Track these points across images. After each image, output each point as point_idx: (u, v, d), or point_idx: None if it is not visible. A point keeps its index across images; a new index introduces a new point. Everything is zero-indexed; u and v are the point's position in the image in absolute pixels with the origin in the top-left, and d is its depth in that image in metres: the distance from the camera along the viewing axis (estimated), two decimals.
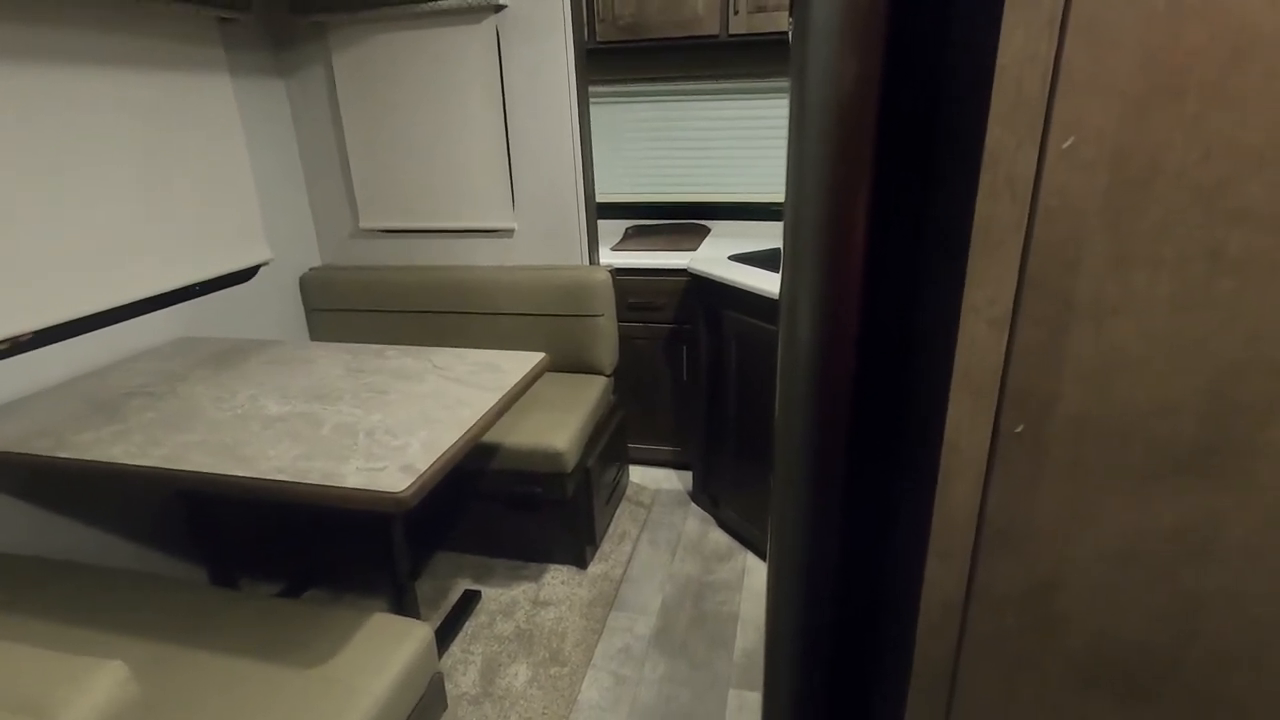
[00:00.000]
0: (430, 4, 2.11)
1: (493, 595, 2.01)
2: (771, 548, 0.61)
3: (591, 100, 2.75)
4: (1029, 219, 0.38)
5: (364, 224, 2.45)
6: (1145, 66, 0.34)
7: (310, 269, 2.50)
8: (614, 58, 2.68)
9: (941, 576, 0.46)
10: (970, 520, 0.45)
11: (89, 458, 1.32)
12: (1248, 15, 0.33)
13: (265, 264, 2.28)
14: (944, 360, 0.42)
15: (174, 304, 1.99)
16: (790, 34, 0.56)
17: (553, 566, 2.13)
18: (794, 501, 0.58)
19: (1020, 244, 0.38)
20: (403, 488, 1.22)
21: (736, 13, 2.24)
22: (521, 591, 2.03)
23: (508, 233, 2.36)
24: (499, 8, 2.12)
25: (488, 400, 1.55)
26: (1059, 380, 0.41)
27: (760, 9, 2.22)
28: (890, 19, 0.46)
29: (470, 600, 1.98)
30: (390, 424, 1.45)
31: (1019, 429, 0.42)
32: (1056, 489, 0.43)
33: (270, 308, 2.35)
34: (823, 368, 0.54)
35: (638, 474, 2.64)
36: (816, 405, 0.55)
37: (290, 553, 2.16)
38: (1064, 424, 0.41)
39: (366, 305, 2.44)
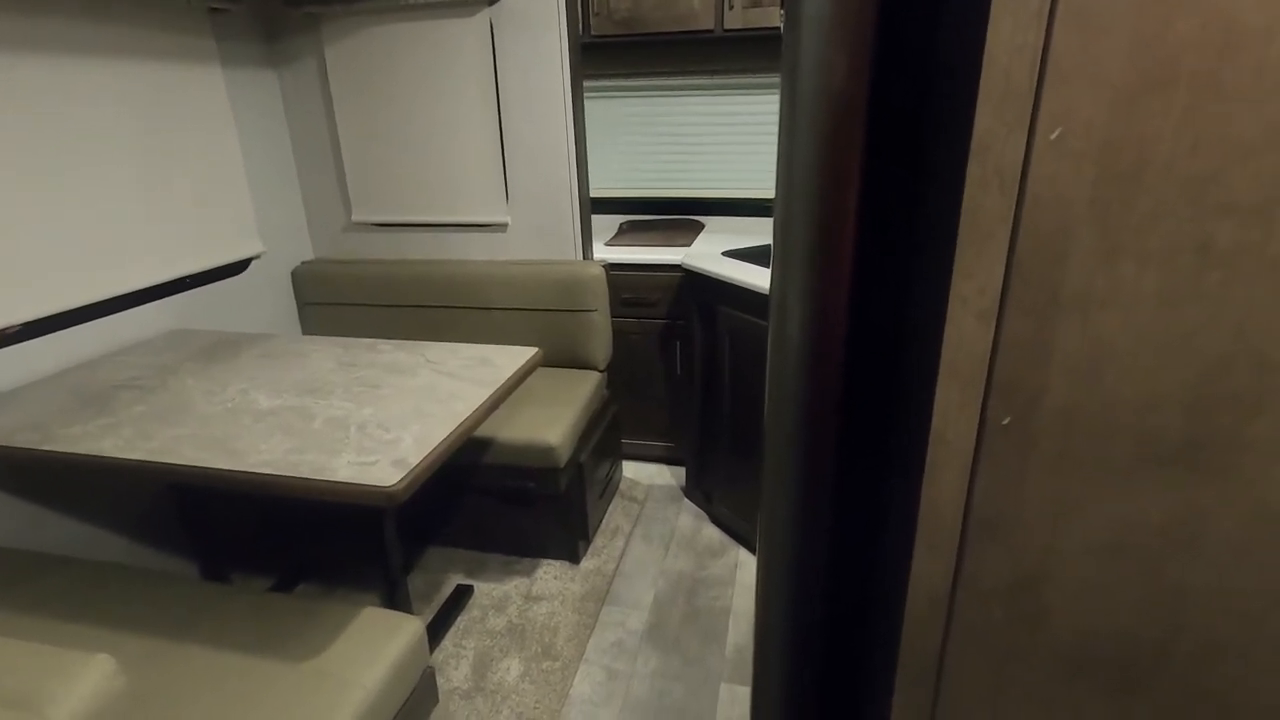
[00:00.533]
0: None
1: (485, 590, 2.01)
2: (761, 542, 0.61)
3: (586, 95, 2.74)
4: (1017, 210, 0.38)
5: (357, 217, 2.43)
6: (1135, 57, 0.34)
7: (302, 262, 2.48)
8: (609, 52, 2.67)
9: (929, 569, 0.46)
10: (957, 512, 0.45)
11: (77, 451, 1.31)
12: (1237, 8, 0.33)
13: (257, 257, 2.27)
14: (933, 352, 0.42)
15: (165, 297, 1.97)
16: (782, 26, 0.56)
17: (545, 561, 2.13)
18: (784, 496, 0.57)
19: (1008, 234, 0.38)
20: (394, 482, 1.22)
21: (731, 7, 2.23)
22: (514, 586, 2.03)
23: (501, 227, 2.35)
24: (493, 1, 2.10)
25: (480, 395, 1.55)
26: (1046, 372, 0.41)
27: (755, 4, 2.21)
28: (881, 10, 0.46)
29: (462, 595, 1.98)
30: (382, 418, 1.45)
31: (1006, 421, 0.42)
32: (1043, 481, 0.43)
33: (262, 301, 2.34)
34: (812, 361, 0.54)
35: (631, 469, 2.64)
36: (806, 399, 0.54)
37: (282, 547, 2.15)
38: (1051, 416, 0.41)
39: (359, 299, 2.43)
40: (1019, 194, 0.38)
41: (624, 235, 2.67)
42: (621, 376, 2.50)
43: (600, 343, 2.31)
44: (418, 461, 1.28)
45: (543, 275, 2.28)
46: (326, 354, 1.79)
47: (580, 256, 2.34)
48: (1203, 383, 0.39)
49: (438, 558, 2.16)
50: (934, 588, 0.47)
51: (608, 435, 2.33)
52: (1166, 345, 0.39)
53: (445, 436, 1.37)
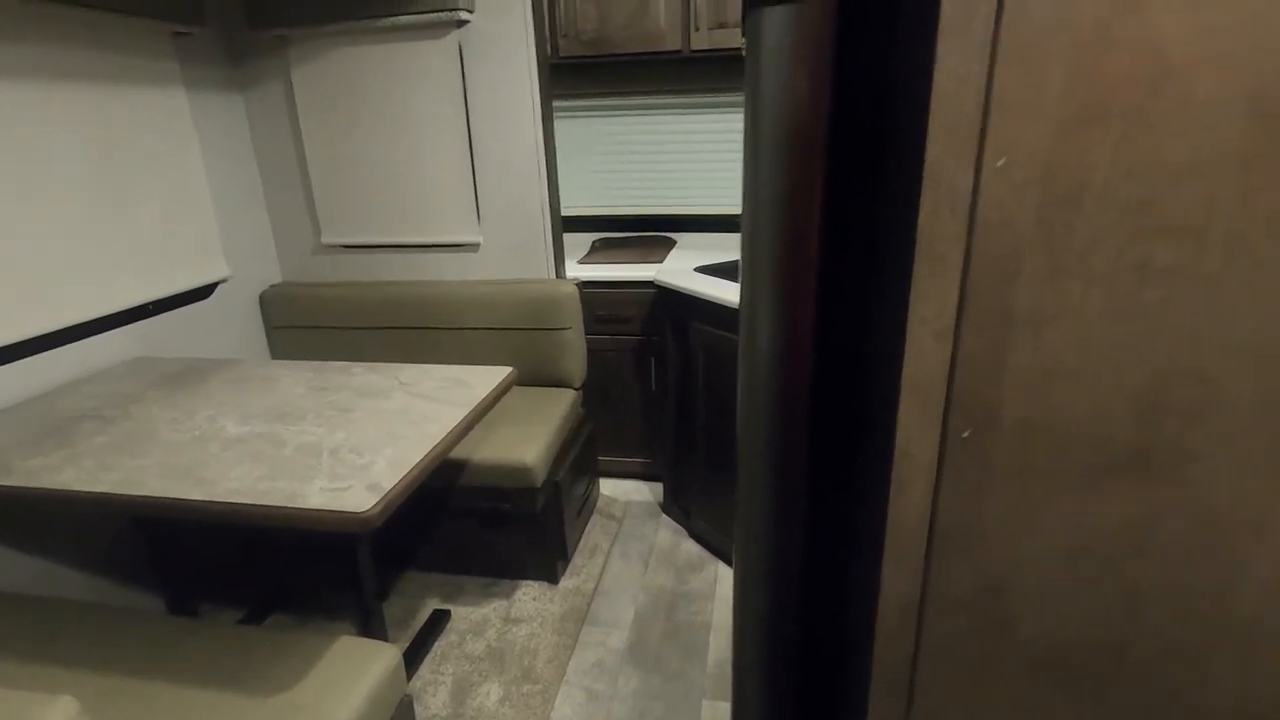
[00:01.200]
0: (391, 19, 2.11)
1: (463, 614, 1.98)
2: (737, 555, 0.62)
3: (557, 114, 2.76)
4: (968, 234, 0.39)
5: (326, 239, 2.41)
6: (1071, 91, 0.36)
7: (271, 286, 2.45)
8: (578, 72, 2.70)
9: (897, 580, 0.48)
10: (923, 524, 0.46)
11: (37, 485, 1.27)
12: (1162, 46, 0.35)
13: (223, 281, 2.23)
14: (895, 367, 0.44)
15: (128, 324, 1.93)
16: (744, 51, 0.57)
17: (524, 583, 2.11)
18: (757, 509, 0.58)
19: (961, 257, 0.40)
20: (368, 507, 1.20)
21: (698, 29, 2.28)
22: (492, 609, 2.00)
23: (473, 247, 2.35)
24: (461, 23, 2.12)
25: (455, 416, 1.54)
26: (1002, 387, 0.42)
27: (721, 25, 2.26)
28: (839, 40, 0.48)
29: (439, 620, 1.95)
30: (355, 442, 1.43)
31: (965, 435, 0.44)
32: (1003, 492, 0.45)
33: (230, 326, 2.30)
34: (782, 376, 0.55)
35: (608, 486, 2.63)
36: (777, 413, 0.56)
37: (252, 578, 2.10)
38: (1008, 429, 0.43)
39: (330, 322, 2.40)
40: (970, 219, 0.40)
41: (596, 253, 2.68)
42: (597, 394, 2.50)
43: (575, 361, 2.31)
44: (391, 486, 1.27)
45: (516, 294, 2.28)
46: (297, 378, 1.77)
47: (553, 275, 2.35)
48: (1147, 394, 0.41)
49: (414, 582, 2.13)
50: (903, 598, 0.48)
51: (584, 453, 2.32)
52: (1112, 359, 0.41)
53: (419, 460, 1.36)
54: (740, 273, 0.59)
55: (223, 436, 1.45)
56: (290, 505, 1.22)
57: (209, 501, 1.23)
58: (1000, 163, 0.38)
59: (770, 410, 0.58)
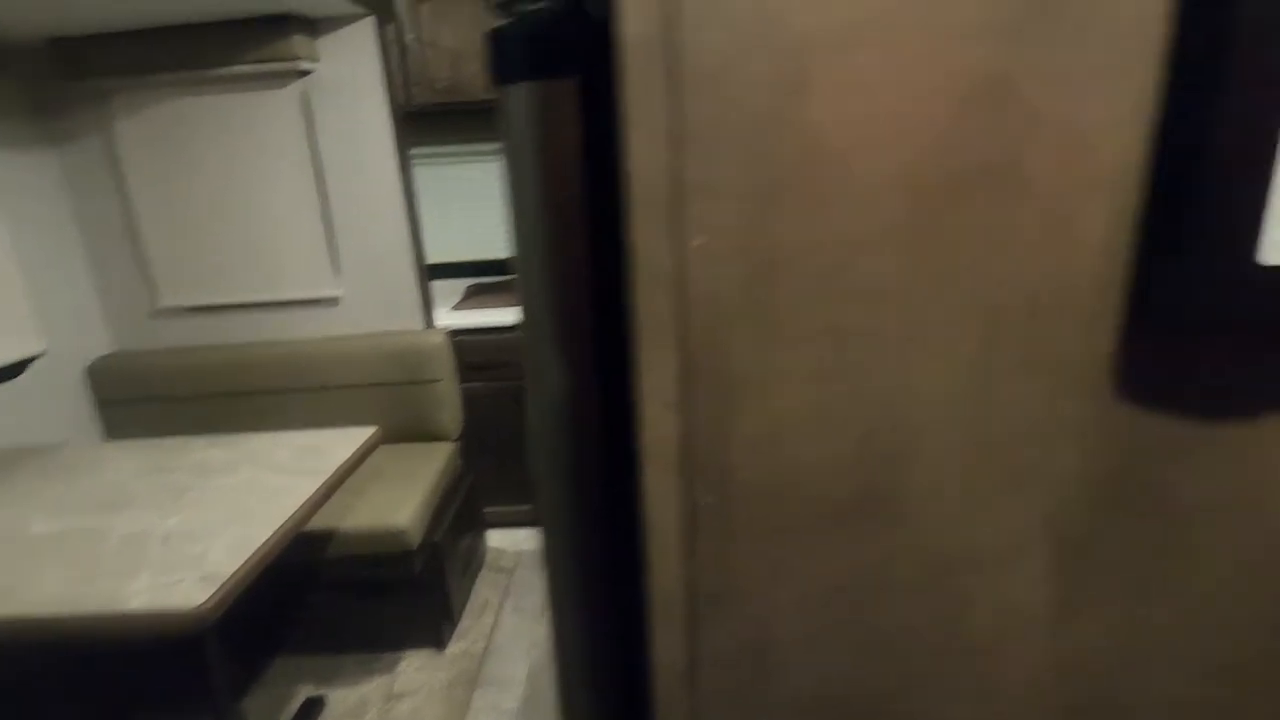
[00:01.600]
0: (225, 69, 2.01)
1: (339, 697, 1.84)
2: (551, 619, 0.61)
3: (421, 162, 2.71)
4: (680, 308, 0.41)
5: (164, 302, 2.23)
6: (751, 172, 0.39)
7: (100, 357, 2.23)
8: (437, 120, 2.68)
9: (669, 644, 0.48)
10: (684, 587, 0.47)
11: None
12: (824, 132, 0.38)
13: (37, 357, 2.01)
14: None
15: None
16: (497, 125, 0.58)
17: (407, 653, 2.00)
18: (563, 578, 0.58)
19: (679, 332, 0.42)
20: (199, 603, 1.10)
21: None
22: (373, 687, 1.88)
23: (332, 301, 2.25)
24: (303, 73, 2.05)
25: (309, 487, 1.45)
26: (731, 452, 0.44)
27: None
28: (588, 119, 0.49)
29: (312, 709, 1.80)
30: (191, 527, 1.32)
31: (708, 500, 0.45)
32: (750, 551, 0.46)
33: (50, 407, 2.06)
34: (573, 439, 0.55)
35: (497, 538, 2.55)
36: (572, 484, 0.55)
37: (77, 693, 1.86)
38: (744, 491, 0.45)
39: (176, 392, 2.21)
40: (682, 294, 0.41)
41: (470, 299, 2.64)
42: (477, 444, 2.43)
43: (449, 412, 2.24)
44: (230, 574, 1.17)
45: (381, 348, 2.19)
46: (128, 460, 1.61)
47: (422, 325, 2.28)
48: (860, 447, 0.44)
49: (284, 669, 1.96)
50: (674, 661, 0.49)
51: (466, 507, 2.25)
52: (825, 417, 0.44)
53: (265, 540, 1.27)
54: (523, 346, 0.59)
55: (28, 536, 1.30)
56: (106, 611, 1.10)
57: (3, 619, 1.08)
58: (697, 242, 0.40)
59: (566, 482, 0.57)
